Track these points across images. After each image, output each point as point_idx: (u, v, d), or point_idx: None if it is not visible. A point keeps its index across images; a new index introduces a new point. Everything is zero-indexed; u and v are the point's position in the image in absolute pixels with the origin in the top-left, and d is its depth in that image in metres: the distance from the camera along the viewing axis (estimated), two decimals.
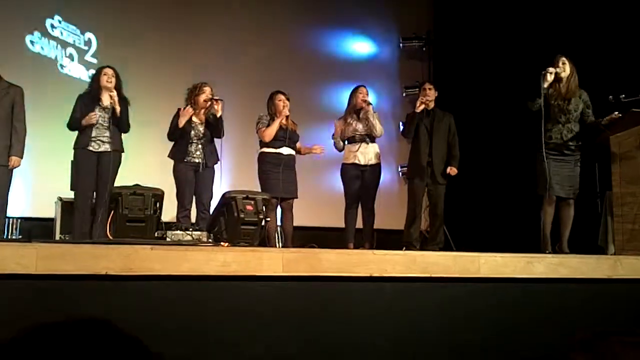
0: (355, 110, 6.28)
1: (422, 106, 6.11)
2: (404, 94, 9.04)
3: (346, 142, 6.32)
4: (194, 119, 5.86)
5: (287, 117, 6.10)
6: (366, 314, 3.41)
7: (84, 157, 5.44)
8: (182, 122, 5.72)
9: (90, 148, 5.45)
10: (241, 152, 7.30)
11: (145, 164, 6.90)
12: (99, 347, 0.84)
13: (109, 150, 5.48)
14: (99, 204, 5.43)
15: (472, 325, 3.55)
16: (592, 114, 5.55)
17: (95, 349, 0.83)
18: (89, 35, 7.77)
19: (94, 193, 5.51)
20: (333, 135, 6.39)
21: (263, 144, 6.07)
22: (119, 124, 5.58)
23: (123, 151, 5.63)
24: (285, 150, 6.06)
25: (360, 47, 9.11)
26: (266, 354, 3.12)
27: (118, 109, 5.50)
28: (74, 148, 5.52)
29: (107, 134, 5.50)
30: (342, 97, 7.92)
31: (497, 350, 3.51)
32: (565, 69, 5.56)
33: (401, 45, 9.23)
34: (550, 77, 5.49)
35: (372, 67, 8.95)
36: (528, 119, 5.64)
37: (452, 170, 6.13)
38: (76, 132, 5.58)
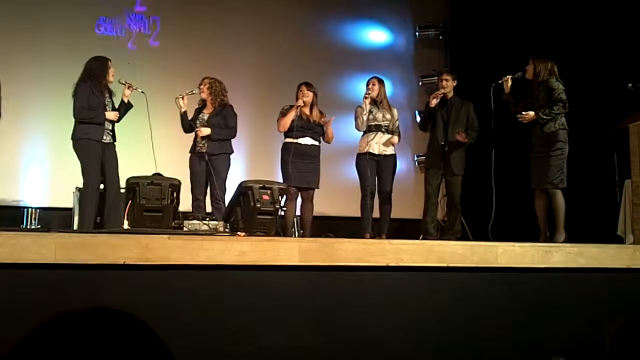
0: (372, 100, 6.25)
1: (435, 101, 6.09)
2: (420, 83, 8.99)
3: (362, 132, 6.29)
4: (204, 110, 6.06)
5: (312, 107, 6.10)
6: (382, 304, 3.41)
7: (94, 148, 5.46)
8: (180, 111, 6.03)
9: (102, 140, 5.50)
10: (258, 142, 7.32)
11: (167, 153, 6.95)
12: (113, 338, 0.84)
13: (112, 141, 5.62)
14: (110, 195, 5.52)
15: (490, 315, 3.54)
16: (558, 96, 5.49)
17: (109, 340, 0.84)
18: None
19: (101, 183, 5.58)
20: (355, 117, 6.31)
21: (285, 134, 6.10)
22: (124, 114, 5.74)
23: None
24: (305, 141, 6.05)
25: (375, 36, 9.06)
26: (282, 344, 3.13)
27: (126, 100, 5.71)
28: (81, 138, 5.45)
29: (110, 126, 5.61)
30: (357, 87, 7.90)
31: (515, 340, 3.50)
32: (528, 70, 5.71)
33: (417, 34, 9.16)
34: (507, 85, 5.74)
35: (388, 56, 8.90)
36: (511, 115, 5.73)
37: (460, 135, 5.99)
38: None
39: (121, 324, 0.87)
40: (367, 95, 6.20)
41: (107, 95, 5.61)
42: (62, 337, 0.83)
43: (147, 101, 5.71)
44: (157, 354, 0.87)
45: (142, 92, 5.73)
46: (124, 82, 5.71)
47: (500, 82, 5.79)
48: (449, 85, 6.23)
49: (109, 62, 5.64)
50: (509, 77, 5.75)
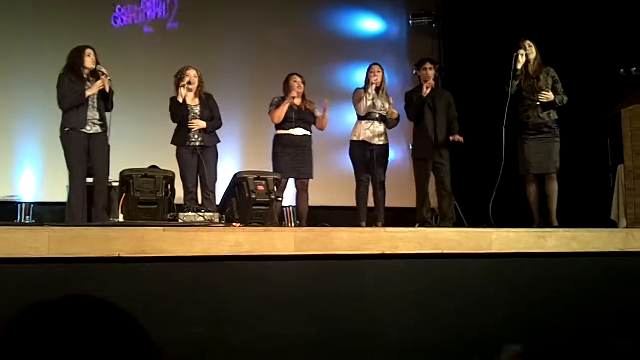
0: (374, 88, 6.23)
1: (429, 90, 6.07)
2: (414, 72, 8.97)
3: (357, 119, 6.30)
4: (189, 102, 5.88)
5: (303, 97, 6.11)
6: (379, 292, 3.42)
7: (78, 139, 5.36)
8: (180, 100, 5.79)
9: (84, 130, 5.39)
10: (251, 133, 7.31)
11: (161, 145, 6.93)
12: (87, 325, 0.85)
13: (100, 132, 5.47)
14: (97, 187, 5.44)
15: (485, 301, 3.56)
16: (561, 89, 5.65)
17: (84, 327, 0.84)
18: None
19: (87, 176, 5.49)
20: (355, 101, 6.29)
21: (277, 126, 6.09)
22: (107, 103, 5.54)
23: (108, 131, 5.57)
24: (298, 131, 6.06)
25: (369, 24, 9.04)
26: (279, 334, 3.14)
27: (108, 88, 5.47)
28: (65, 129, 5.38)
29: (98, 116, 5.47)
30: (351, 76, 7.91)
31: (511, 325, 3.51)
32: (532, 51, 5.72)
33: (411, 22, 9.15)
34: (522, 59, 5.67)
35: (381, 45, 8.88)
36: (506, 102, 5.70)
37: (457, 138, 6.05)
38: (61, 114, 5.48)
39: (95, 311, 0.88)
40: (374, 82, 6.18)
41: (89, 82, 5.47)
42: (37, 326, 0.83)
43: (112, 87, 5.55)
44: (134, 339, 0.87)
45: (109, 79, 5.48)
46: (100, 70, 5.49)
47: (516, 54, 5.70)
48: (432, 74, 6.23)
49: (86, 50, 5.51)
50: (523, 52, 5.69)
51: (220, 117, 5.98)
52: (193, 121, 5.79)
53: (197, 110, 5.87)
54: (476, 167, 6.75)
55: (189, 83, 5.83)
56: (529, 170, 5.65)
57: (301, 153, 6.05)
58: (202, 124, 5.81)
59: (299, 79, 6.15)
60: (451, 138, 6.07)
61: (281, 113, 6.00)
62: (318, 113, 6.21)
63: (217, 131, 5.94)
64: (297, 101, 6.12)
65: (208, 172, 5.76)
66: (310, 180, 6.17)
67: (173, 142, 5.88)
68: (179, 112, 5.80)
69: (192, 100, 5.91)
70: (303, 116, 6.09)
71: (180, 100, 5.79)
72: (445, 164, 6.12)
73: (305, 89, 6.20)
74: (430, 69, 6.23)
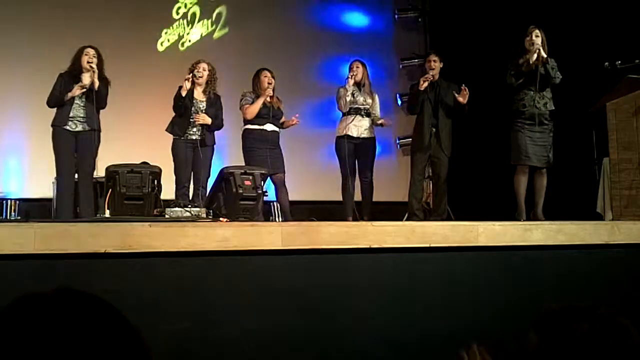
0: (355, 82, 6.25)
1: (426, 83, 6.05)
2: (400, 66, 8.99)
3: (340, 115, 6.31)
4: (196, 96, 5.87)
5: (273, 93, 6.12)
6: (366, 285, 3.43)
7: (62, 136, 5.43)
8: (183, 92, 5.77)
9: (67, 127, 5.44)
10: (235, 128, 7.28)
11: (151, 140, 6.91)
12: (77, 318, 0.85)
13: (86, 129, 5.49)
14: (82, 184, 5.46)
15: (472, 294, 3.57)
16: (559, 76, 5.66)
17: (73, 320, 0.84)
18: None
19: (76, 172, 5.51)
20: (337, 98, 6.31)
21: (247, 121, 6.10)
22: (96, 101, 5.51)
23: (100, 130, 5.56)
24: (270, 127, 6.08)
25: (355, 19, 9.04)
26: (267, 328, 3.14)
27: (97, 84, 5.46)
28: (52, 125, 5.47)
29: (82, 113, 5.48)
30: (337, 71, 7.89)
31: (497, 318, 3.53)
32: (537, 41, 5.65)
33: (396, 16, 9.15)
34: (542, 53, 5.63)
35: (367, 39, 8.87)
36: (503, 88, 5.72)
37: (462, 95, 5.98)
38: (54, 111, 5.53)
39: (82, 306, 0.87)
40: (351, 75, 6.20)
41: (82, 81, 5.49)
42: (26, 318, 0.83)
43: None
44: (120, 334, 0.87)
45: (94, 71, 5.46)
46: (90, 64, 5.49)
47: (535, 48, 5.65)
48: (436, 66, 6.20)
49: (85, 49, 5.55)
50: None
51: (222, 119, 5.98)
52: (198, 115, 5.80)
53: (202, 105, 5.88)
54: (463, 160, 6.76)
55: (194, 76, 5.83)
56: (524, 161, 5.59)
57: (273, 148, 6.07)
58: (208, 120, 5.82)
59: (269, 74, 6.14)
60: (460, 98, 6.00)
61: (255, 109, 6.01)
62: (283, 119, 6.26)
63: None
64: (268, 97, 6.12)
65: (204, 169, 5.78)
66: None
67: (170, 131, 5.87)
68: (181, 103, 5.79)
69: (200, 95, 5.91)
70: (275, 113, 6.11)
71: (183, 94, 5.77)
72: (442, 159, 6.10)
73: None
74: (435, 61, 6.20)
